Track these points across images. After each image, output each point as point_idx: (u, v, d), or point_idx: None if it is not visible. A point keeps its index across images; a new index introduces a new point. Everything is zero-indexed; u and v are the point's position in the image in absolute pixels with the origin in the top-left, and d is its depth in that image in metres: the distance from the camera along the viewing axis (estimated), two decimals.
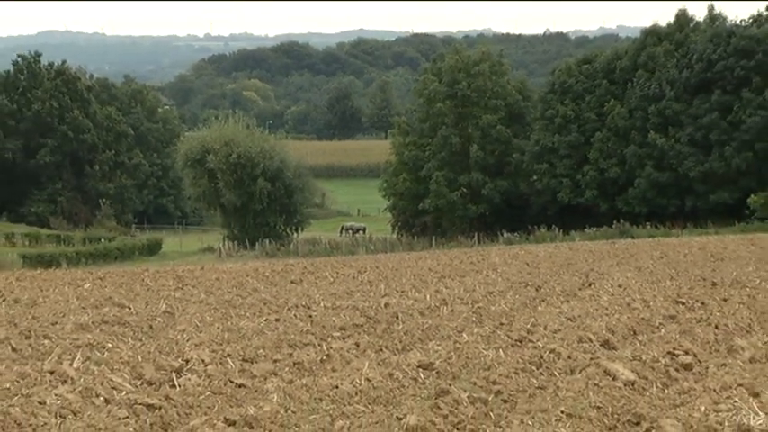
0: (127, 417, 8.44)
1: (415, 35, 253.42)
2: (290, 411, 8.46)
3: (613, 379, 9.37)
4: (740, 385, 8.79)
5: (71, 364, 10.67)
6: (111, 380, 9.72)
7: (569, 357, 10.62)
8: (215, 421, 8.05)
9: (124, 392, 9.27)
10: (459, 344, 11.54)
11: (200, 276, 26.25)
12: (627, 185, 60.43)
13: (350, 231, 71.21)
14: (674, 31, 64.12)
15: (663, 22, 66.06)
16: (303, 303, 16.89)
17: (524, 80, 76.46)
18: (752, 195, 55.77)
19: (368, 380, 9.54)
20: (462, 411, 8.33)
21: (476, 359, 10.49)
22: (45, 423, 8.26)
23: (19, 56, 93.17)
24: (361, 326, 13.65)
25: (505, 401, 8.85)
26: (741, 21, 63.89)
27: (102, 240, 65.81)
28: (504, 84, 67.49)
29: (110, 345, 12.44)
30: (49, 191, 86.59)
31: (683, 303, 15.20)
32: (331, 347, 11.77)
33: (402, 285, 20.63)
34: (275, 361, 10.93)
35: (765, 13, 62.00)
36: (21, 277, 28.43)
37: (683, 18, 65.22)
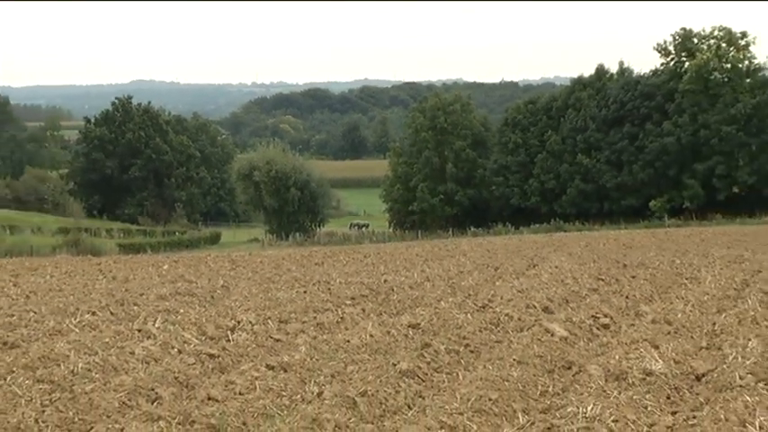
0: (194, 363, 8.44)
1: (406, 83, 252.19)
2: (314, 359, 8.45)
3: (551, 335, 9.36)
4: (645, 340, 8.79)
5: (153, 324, 10.68)
6: (183, 336, 9.71)
7: (519, 319, 10.61)
8: (259, 366, 8.03)
9: (192, 345, 9.26)
10: (438, 310, 11.53)
11: (248, 260, 26.26)
12: (561, 193, 60.49)
13: (357, 227, 71.18)
14: (595, 80, 64.14)
15: (587, 74, 66.05)
16: (324, 280, 16.88)
17: (486, 116, 76.35)
18: (653, 200, 56.01)
19: (371, 336, 9.53)
20: (441, 359, 8.33)
21: (450, 321, 10.48)
22: (134, 367, 8.26)
23: (116, 98, 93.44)
24: (366, 296, 13.64)
25: (472, 352, 8.84)
26: (644, 73, 64.04)
27: (177, 233, 66.00)
28: (471, 119, 67.53)
29: (182, 310, 12.43)
30: (138, 197, 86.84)
31: (603, 280, 15.19)
32: (344, 312, 11.76)
33: (396, 267, 20.63)
34: (303, 322, 10.92)
35: (661, 68, 62.01)
36: (117, 260, 28.45)
37: (601, 70, 65.20)
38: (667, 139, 56.43)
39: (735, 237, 30.26)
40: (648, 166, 57.01)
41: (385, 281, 16.11)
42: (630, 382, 7.16)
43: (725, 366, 7.53)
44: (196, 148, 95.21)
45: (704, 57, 57.86)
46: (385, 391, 6.98)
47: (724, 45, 59.14)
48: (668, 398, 6.83)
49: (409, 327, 10.11)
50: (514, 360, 7.97)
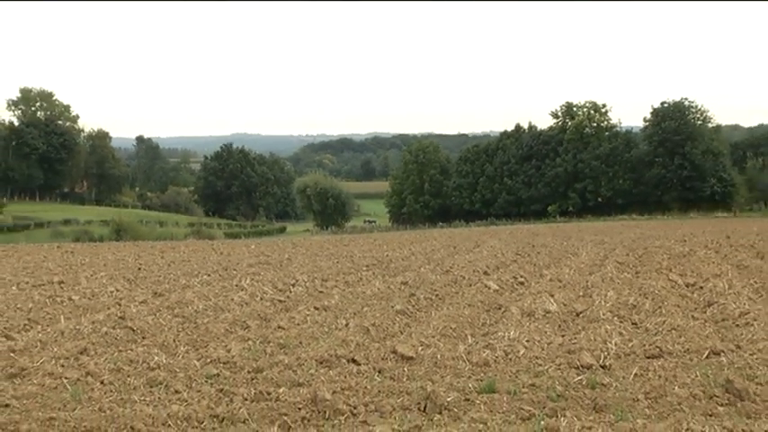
0: (270, 305, 8.40)
1: (400, 134, 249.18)
2: (343, 303, 8.42)
3: (489, 288, 9.31)
4: (545, 291, 8.74)
5: (245, 282, 10.65)
6: (263, 289, 9.68)
7: (469, 279, 10.58)
8: (309, 308, 8.00)
9: (268, 294, 9.23)
10: (419, 273, 11.50)
11: (303, 242, 26.26)
12: (494, 202, 60.12)
13: (369, 222, 70.98)
14: (514, 132, 63.70)
15: (509, 129, 65.51)
16: (349, 254, 16.86)
17: (448, 155, 75.68)
18: (550, 206, 55.96)
19: (378, 289, 9.50)
20: (421, 303, 8.29)
21: (427, 280, 10.45)
22: (233, 308, 8.24)
23: (223, 144, 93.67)
24: (375, 265, 13.62)
25: (440, 299, 8.81)
26: (544, 128, 63.52)
27: (260, 226, 65.88)
28: (439, 156, 67.00)
29: (262, 273, 12.41)
30: (236, 204, 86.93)
31: (520, 255, 15.14)
32: (362, 274, 11.73)
33: (393, 247, 20.60)
34: (336, 280, 10.89)
35: (554, 125, 61.70)
36: (223, 243, 28.48)
37: (518, 127, 64.47)
38: (558, 168, 56.79)
39: (599, 229, 30.19)
40: (547, 185, 57.16)
41: (386, 255, 16.10)
42: (537, 317, 7.12)
43: (594, 307, 7.49)
44: (272, 175, 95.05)
45: (580, 119, 58.41)
46: (386, 323, 6.95)
47: (592, 111, 59.43)
48: (559, 327, 6.79)
49: (402, 284, 10.08)
50: (466, 304, 7.94)
